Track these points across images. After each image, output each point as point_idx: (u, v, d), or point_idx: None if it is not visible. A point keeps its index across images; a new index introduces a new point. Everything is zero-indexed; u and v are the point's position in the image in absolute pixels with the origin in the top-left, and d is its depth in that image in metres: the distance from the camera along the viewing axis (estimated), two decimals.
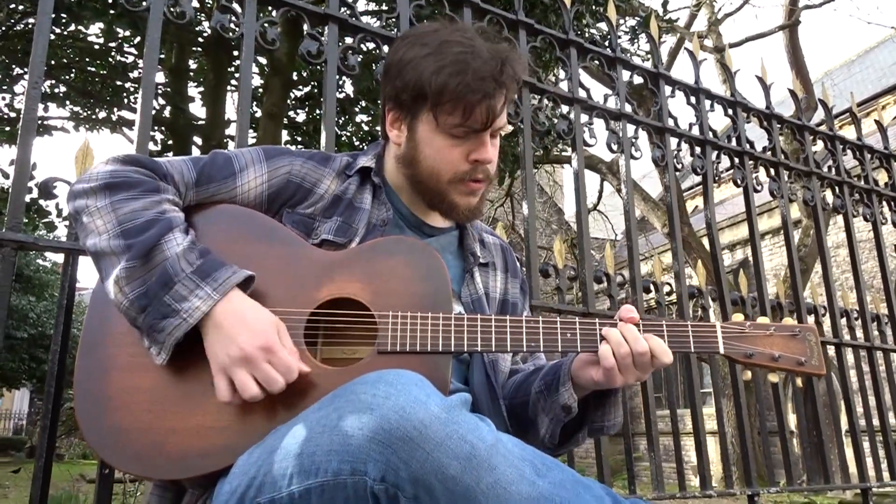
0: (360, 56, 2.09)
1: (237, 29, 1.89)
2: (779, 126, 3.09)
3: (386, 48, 2.09)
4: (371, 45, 2.14)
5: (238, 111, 1.85)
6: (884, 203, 3.45)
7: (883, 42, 23.66)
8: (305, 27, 2.01)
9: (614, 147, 2.57)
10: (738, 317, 1.36)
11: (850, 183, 3.28)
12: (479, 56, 1.26)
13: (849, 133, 3.40)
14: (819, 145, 3.34)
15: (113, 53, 6.74)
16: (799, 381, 2.69)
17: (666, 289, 2.54)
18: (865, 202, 3.35)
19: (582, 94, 2.51)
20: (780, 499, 6.12)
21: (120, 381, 1.11)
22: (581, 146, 2.46)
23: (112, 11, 5.68)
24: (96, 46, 6.46)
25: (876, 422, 2.93)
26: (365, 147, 1.71)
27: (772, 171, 3.02)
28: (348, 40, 2.09)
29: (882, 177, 3.53)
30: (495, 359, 1.36)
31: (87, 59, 6.51)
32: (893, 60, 20.90)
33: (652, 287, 2.50)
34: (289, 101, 6.45)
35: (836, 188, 3.25)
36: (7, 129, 7.24)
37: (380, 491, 0.88)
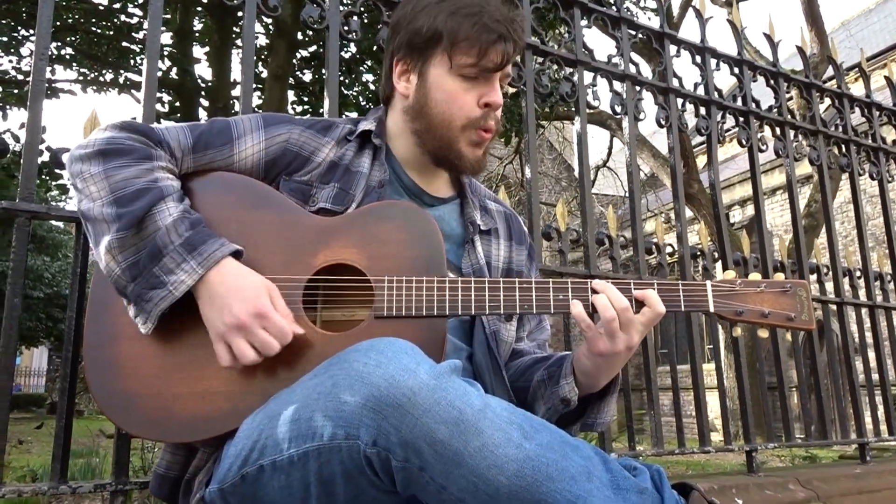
0: (366, 16, 2.09)
1: None
2: (786, 84, 3.07)
3: (387, 13, 2.09)
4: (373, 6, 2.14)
5: (242, 77, 1.86)
6: (891, 161, 3.43)
7: None
8: None
9: (618, 108, 2.57)
10: (729, 274, 1.38)
11: (857, 141, 3.25)
12: (491, 3, 1.33)
13: (858, 88, 3.37)
14: (827, 102, 3.31)
15: (118, 14, 6.69)
16: (787, 336, 2.72)
17: (668, 250, 2.56)
18: (872, 160, 3.33)
19: (585, 54, 2.50)
20: (783, 453, 6.23)
21: (127, 348, 1.16)
22: (584, 108, 2.46)
23: None
24: (101, 7, 6.40)
25: (875, 377, 2.98)
26: (373, 106, 1.73)
27: (777, 130, 3.01)
28: (349, 3, 2.08)
29: (890, 134, 3.51)
30: (497, 329, 1.39)
31: (93, 21, 6.47)
32: None
33: (654, 248, 2.53)
34: (294, 62, 6.41)
35: (843, 146, 3.24)
36: (15, 91, 7.24)
37: (372, 454, 0.93)
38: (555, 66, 2.48)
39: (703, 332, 13.22)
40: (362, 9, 2.09)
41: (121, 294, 1.16)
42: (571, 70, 2.48)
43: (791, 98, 3.11)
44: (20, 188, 1.52)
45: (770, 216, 17.23)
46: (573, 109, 2.45)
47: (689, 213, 13.82)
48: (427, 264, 1.25)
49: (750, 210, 16.98)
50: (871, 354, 3.03)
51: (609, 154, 15.79)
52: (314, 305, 1.24)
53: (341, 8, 2.03)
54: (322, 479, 0.99)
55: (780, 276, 1.39)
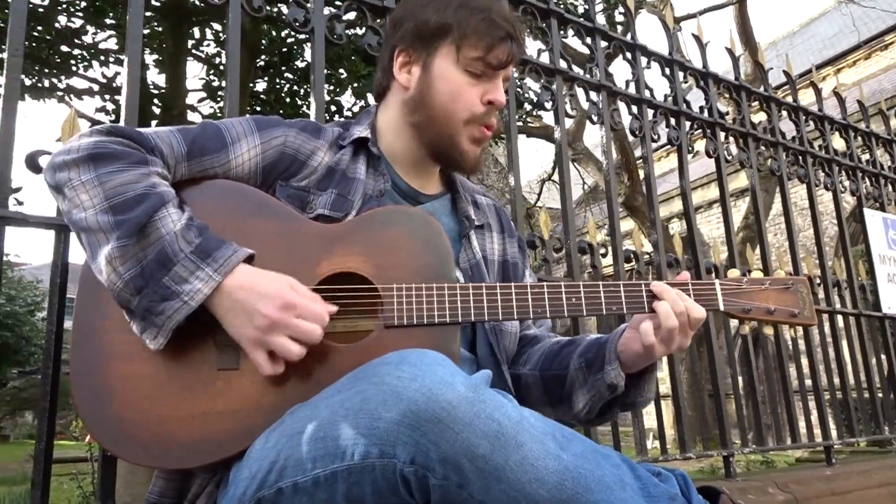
0: (351, 21, 2.05)
1: None
2: (746, 97, 3.15)
3: (373, 18, 2.05)
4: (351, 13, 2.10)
5: (228, 80, 1.79)
6: (842, 172, 3.57)
7: (824, 13, 24.31)
8: None
9: (595, 118, 2.59)
10: (734, 272, 1.39)
11: (813, 153, 3.38)
12: (499, 3, 1.34)
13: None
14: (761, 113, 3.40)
15: (57, 17, 6.40)
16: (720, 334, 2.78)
17: (638, 259, 2.58)
18: (826, 171, 3.46)
19: (562, 65, 2.52)
20: (739, 458, 6.41)
21: (119, 370, 1.08)
22: (563, 117, 2.47)
23: None
24: (40, 10, 6.12)
25: (821, 381, 3.08)
26: (328, 116, 1.68)
27: (741, 141, 3.09)
28: (336, 9, 2.04)
29: (838, 145, 3.65)
30: (498, 324, 1.36)
31: (32, 23, 6.18)
32: (833, 32, 21.51)
33: (632, 256, 2.55)
34: (251, 71, 6.28)
35: (800, 158, 3.35)
36: None
37: (409, 473, 0.88)
38: (522, 76, 2.48)
39: None
40: (346, 12, 2.05)
41: (124, 308, 1.07)
42: (549, 79, 2.49)
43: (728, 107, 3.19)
44: None
45: (706, 228, 17.82)
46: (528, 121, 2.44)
47: (633, 224, 14.17)
48: (436, 271, 1.21)
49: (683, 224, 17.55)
50: (826, 356, 3.12)
51: (554, 168, 16.06)
52: None
53: (326, 11, 1.98)
54: (349, 501, 0.93)
55: (780, 273, 1.41)
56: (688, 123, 2.88)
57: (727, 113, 3.11)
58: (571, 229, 2.37)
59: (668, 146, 2.85)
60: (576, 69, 2.59)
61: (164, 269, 1.04)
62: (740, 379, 2.78)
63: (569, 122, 12.90)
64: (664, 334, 1.22)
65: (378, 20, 2.06)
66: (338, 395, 0.98)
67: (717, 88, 3.05)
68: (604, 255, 2.44)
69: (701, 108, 2.96)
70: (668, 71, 2.87)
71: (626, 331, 1.29)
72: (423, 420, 0.87)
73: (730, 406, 2.85)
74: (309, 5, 1.95)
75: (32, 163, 1.48)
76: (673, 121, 2.83)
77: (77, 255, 1.20)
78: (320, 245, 1.19)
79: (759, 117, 3.29)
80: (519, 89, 2.36)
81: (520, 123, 11.22)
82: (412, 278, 1.19)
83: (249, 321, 1.06)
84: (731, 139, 3.08)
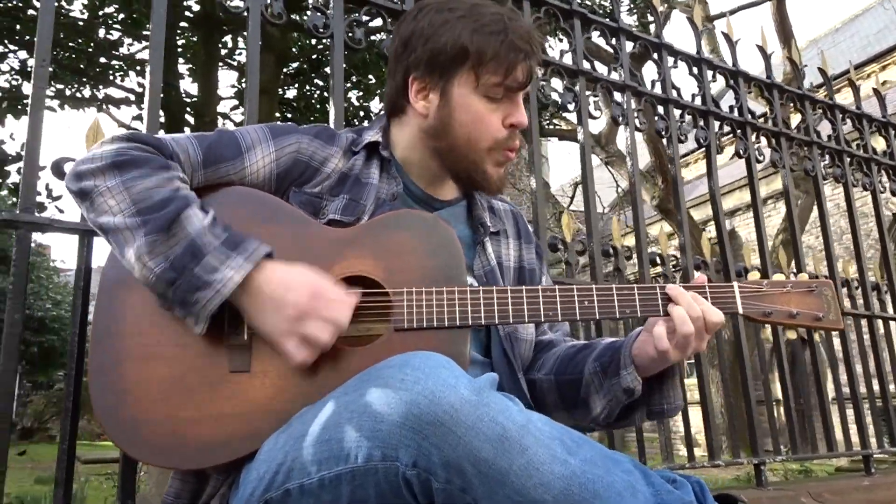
0: (373, 27, 2.06)
1: (242, 3, 1.85)
2: (779, 95, 3.08)
3: (391, 21, 2.06)
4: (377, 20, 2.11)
5: (247, 86, 1.81)
6: (882, 172, 3.46)
7: (868, 9, 23.70)
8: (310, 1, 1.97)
9: (619, 119, 2.56)
10: (754, 275, 1.36)
11: (850, 152, 3.28)
12: (514, 18, 1.29)
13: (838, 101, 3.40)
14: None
15: (97, 29, 6.58)
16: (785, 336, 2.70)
17: (664, 262, 2.54)
18: (864, 171, 3.36)
19: (586, 65, 2.49)
20: (776, 467, 6.24)
21: (134, 372, 1.10)
22: (587, 119, 2.45)
23: None
24: (80, 23, 6.30)
25: (862, 389, 2.97)
26: (356, 122, 1.68)
27: (773, 140, 3.02)
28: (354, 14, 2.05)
29: (877, 145, 3.54)
30: (513, 330, 1.35)
31: (72, 35, 6.36)
32: (878, 28, 20.95)
33: (658, 259, 2.51)
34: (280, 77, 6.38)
35: (836, 157, 3.25)
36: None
37: (412, 476, 0.88)
38: (547, 78, 2.46)
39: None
40: (366, 17, 2.06)
41: (159, 297, 1.10)
42: (573, 80, 2.47)
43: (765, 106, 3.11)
44: (20, 199, 1.46)
45: (745, 231, 17.47)
46: (556, 123, 2.42)
47: (667, 227, 13.98)
48: (447, 274, 1.21)
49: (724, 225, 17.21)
50: (865, 363, 3.02)
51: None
52: None
53: (346, 16, 1.99)
54: (354, 503, 0.93)
55: (804, 276, 1.37)
56: (717, 123, 2.82)
57: (764, 113, 3.04)
58: (595, 232, 2.34)
59: (700, 157, 2.79)
60: (602, 70, 2.57)
61: (194, 260, 1.07)
62: (778, 385, 2.70)
63: (602, 124, 12.76)
64: (679, 340, 1.19)
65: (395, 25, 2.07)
66: (343, 398, 0.98)
67: (747, 87, 2.99)
68: (628, 258, 2.41)
69: (731, 108, 2.90)
70: (695, 70, 2.82)
71: (640, 334, 1.27)
72: (425, 423, 0.87)
73: (765, 413, 2.78)
74: (329, 11, 1.96)
75: (58, 169, 1.51)
76: (701, 121, 2.78)
77: (104, 259, 1.22)
78: (333, 249, 1.20)
79: (799, 118, 3.21)
80: (541, 90, 2.34)
81: (550, 126, 11.14)
82: (422, 282, 1.19)
83: (278, 313, 1.09)
84: (764, 139, 3.01)
